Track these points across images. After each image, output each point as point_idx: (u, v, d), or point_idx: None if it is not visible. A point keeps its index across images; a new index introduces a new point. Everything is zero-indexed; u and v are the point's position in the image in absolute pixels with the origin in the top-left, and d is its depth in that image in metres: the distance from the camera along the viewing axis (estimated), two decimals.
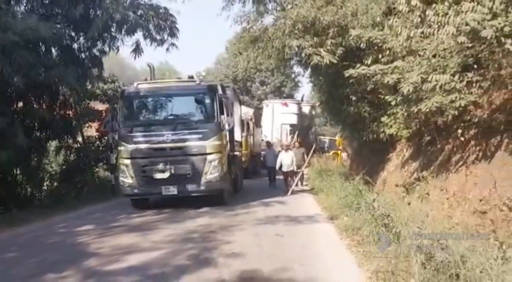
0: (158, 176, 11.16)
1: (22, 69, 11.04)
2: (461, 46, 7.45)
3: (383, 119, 11.41)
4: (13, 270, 6.23)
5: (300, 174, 16.06)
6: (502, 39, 6.49)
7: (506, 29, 6.04)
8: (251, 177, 18.98)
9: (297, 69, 20.65)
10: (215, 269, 5.76)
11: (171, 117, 11.90)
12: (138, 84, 12.28)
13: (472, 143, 8.34)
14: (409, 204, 7.09)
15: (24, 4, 13.12)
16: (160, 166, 11.17)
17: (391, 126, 11.22)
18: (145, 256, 6.54)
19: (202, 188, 11.32)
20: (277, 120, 27.29)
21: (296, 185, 15.76)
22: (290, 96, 38.45)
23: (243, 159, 18.54)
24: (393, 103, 9.74)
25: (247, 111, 22.68)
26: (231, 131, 13.66)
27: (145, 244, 7.39)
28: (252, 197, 13.62)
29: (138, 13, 13.72)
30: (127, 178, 11.39)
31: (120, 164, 11.78)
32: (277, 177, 16.75)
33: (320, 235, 7.80)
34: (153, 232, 8.41)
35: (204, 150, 11.33)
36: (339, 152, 27.24)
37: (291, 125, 27.24)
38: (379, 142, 12.83)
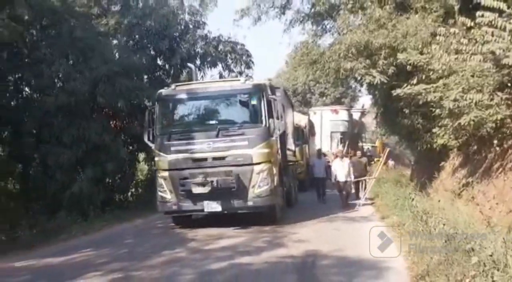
0: (198, 190, 9.79)
1: (123, 94, 13.35)
2: (492, 69, 8.74)
3: (434, 130, 11.70)
4: (137, 250, 8.43)
5: (364, 186, 14.67)
6: None
7: None
8: (308, 189, 17.34)
9: (353, 84, 21.71)
10: (286, 249, 7.66)
11: (213, 122, 10.59)
12: (176, 86, 11.06)
13: (510, 152, 9.43)
14: (438, 200, 8.33)
15: (121, 40, 15.65)
16: (200, 179, 9.79)
17: (442, 136, 11.70)
18: (231, 240, 8.57)
19: (250, 203, 9.90)
20: (326, 128, 25.48)
21: (358, 198, 14.29)
22: (350, 107, 35.77)
23: (297, 169, 16.78)
24: (442, 115, 10.62)
25: (301, 119, 20.96)
26: (282, 137, 12.02)
27: (229, 233, 9.32)
28: (308, 211, 12.87)
29: (219, 49, 15.91)
30: (165, 193, 10.19)
31: (157, 176, 10.48)
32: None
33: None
34: (233, 225, 10.16)
35: (250, 159, 9.89)
36: (381, 159, 25.43)
37: (342, 133, 25.72)
38: (434, 152, 13.55)
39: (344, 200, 13.55)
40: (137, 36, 15.23)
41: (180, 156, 10.12)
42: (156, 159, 10.70)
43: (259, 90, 10.33)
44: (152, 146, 10.63)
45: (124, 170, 14.83)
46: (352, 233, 9.07)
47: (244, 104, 10.38)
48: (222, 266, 6.74)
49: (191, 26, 15.96)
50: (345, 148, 19.28)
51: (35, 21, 12.27)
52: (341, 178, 13.49)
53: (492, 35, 7.78)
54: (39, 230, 10.22)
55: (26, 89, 14.01)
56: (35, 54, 12.58)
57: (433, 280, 5.08)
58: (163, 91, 10.92)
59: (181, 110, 11.14)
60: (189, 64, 14.26)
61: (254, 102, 10.23)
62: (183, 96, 10.83)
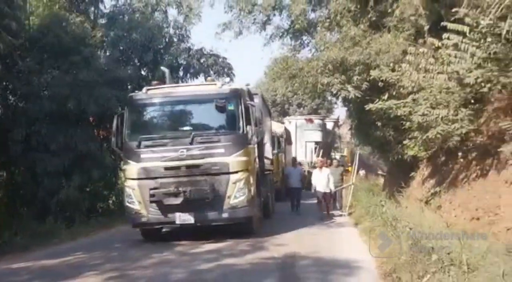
0: (170, 201, 9.28)
1: (98, 101, 13.66)
2: (456, 87, 9.54)
3: (405, 142, 12.04)
4: (126, 253, 8.96)
5: (341, 196, 14.79)
6: (482, 84, 8.61)
7: (479, 79, 8.16)
8: (283, 199, 16.92)
9: (330, 97, 22.53)
10: (268, 252, 8.32)
11: (187, 128, 10.03)
12: (148, 89, 10.38)
13: (473, 163, 10.14)
14: (405, 207, 9.03)
15: (107, 51, 16.16)
16: (173, 189, 9.28)
17: (412, 148, 12.25)
18: (217, 245, 9.13)
19: (225, 215, 9.44)
20: (301, 137, 25.72)
21: (337, 208, 14.54)
22: (324, 117, 35.13)
23: (273, 179, 16.25)
24: (412, 128, 11.16)
25: (278, 127, 20.81)
26: (260, 145, 11.49)
27: (213, 238, 9.69)
28: (286, 221, 12.98)
29: (201, 61, 16.57)
30: (134, 204, 9.64)
31: (125, 186, 9.99)
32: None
33: (345, 234, 10.12)
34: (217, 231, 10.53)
35: (226, 168, 9.43)
36: (349, 168, 22.47)
37: (316, 143, 25.88)
38: (405, 163, 14.02)
39: (323, 210, 13.45)
40: (122, 48, 15.81)
41: (150, 164, 9.58)
42: (124, 167, 10.18)
43: (236, 95, 9.93)
44: (121, 153, 10.16)
45: (106, 177, 15.16)
46: (327, 237, 9.88)
47: (220, 109, 9.81)
48: (209, 267, 7.32)
49: (175, 39, 16.77)
50: (323, 158, 19.23)
51: (25, 33, 12.65)
52: (320, 188, 13.34)
53: (456, 57, 8.57)
54: (28, 235, 10.54)
55: (12, 98, 14.28)
56: (26, 64, 12.95)
57: (399, 276, 5.74)
58: (134, 95, 10.53)
59: (152, 115, 10.58)
60: (162, 68, 13.49)
61: (231, 107, 9.76)
62: (155, 100, 10.28)
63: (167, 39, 16.60)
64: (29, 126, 13.10)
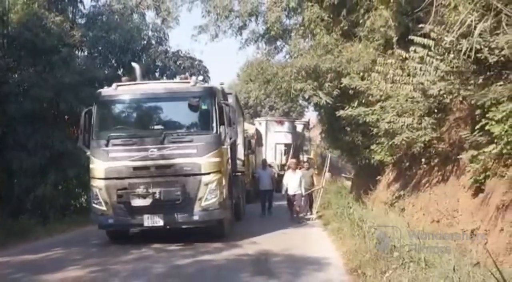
0: (138, 202, 8.94)
1: (85, 102, 13.75)
2: (422, 97, 10.17)
3: (372, 147, 12.50)
4: (105, 249, 9.28)
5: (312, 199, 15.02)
6: (445, 95, 9.26)
7: (441, 91, 8.80)
8: (254, 201, 16.84)
9: (302, 102, 23.01)
10: (242, 249, 8.78)
11: (158, 127, 9.73)
12: (118, 85, 9.93)
13: (435, 169, 10.73)
14: (371, 209, 9.59)
15: (85, 51, 16.28)
16: (141, 190, 8.96)
17: (379, 153, 12.44)
18: (192, 243, 9.38)
19: (196, 217, 9.16)
20: (270, 139, 25.56)
21: (306, 212, 14.51)
22: (295, 119, 34.83)
23: (245, 180, 15.86)
24: (379, 134, 11.77)
25: (249, 128, 20.62)
26: (233, 146, 11.30)
27: (187, 237, 9.72)
28: (257, 223, 13.10)
29: (178, 63, 16.83)
30: (100, 205, 9.33)
31: (92, 185, 9.57)
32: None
33: (314, 234, 10.69)
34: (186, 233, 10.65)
35: (198, 169, 9.18)
36: (316, 171, 21.66)
37: (286, 145, 25.96)
38: (372, 167, 14.57)
39: (294, 212, 13.54)
40: (101, 48, 15.97)
41: (119, 163, 9.24)
42: (91, 166, 9.66)
43: (210, 94, 9.68)
44: (88, 151, 9.69)
45: (81, 175, 15.20)
46: (298, 235, 10.45)
47: (193, 108, 9.52)
48: (187, 262, 7.70)
49: (153, 42, 17.03)
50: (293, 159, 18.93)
51: (3, 30, 12.67)
52: (291, 190, 13.41)
53: (421, 70, 9.21)
54: (4, 232, 10.55)
55: None
56: (4, 62, 12.97)
57: (364, 271, 6.25)
58: (103, 91, 10.04)
59: (122, 112, 10.22)
60: (133, 64, 12.84)
61: (204, 106, 9.49)
62: (126, 97, 9.93)
63: (145, 41, 16.89)
64: (6, 125, 13.09)
